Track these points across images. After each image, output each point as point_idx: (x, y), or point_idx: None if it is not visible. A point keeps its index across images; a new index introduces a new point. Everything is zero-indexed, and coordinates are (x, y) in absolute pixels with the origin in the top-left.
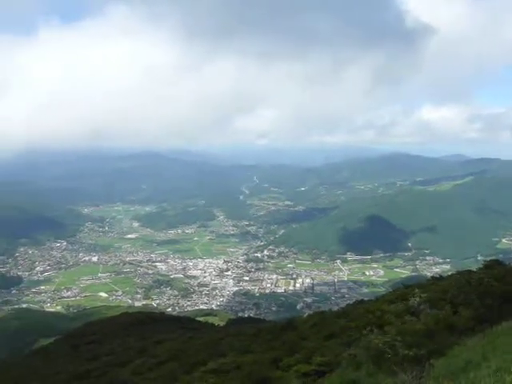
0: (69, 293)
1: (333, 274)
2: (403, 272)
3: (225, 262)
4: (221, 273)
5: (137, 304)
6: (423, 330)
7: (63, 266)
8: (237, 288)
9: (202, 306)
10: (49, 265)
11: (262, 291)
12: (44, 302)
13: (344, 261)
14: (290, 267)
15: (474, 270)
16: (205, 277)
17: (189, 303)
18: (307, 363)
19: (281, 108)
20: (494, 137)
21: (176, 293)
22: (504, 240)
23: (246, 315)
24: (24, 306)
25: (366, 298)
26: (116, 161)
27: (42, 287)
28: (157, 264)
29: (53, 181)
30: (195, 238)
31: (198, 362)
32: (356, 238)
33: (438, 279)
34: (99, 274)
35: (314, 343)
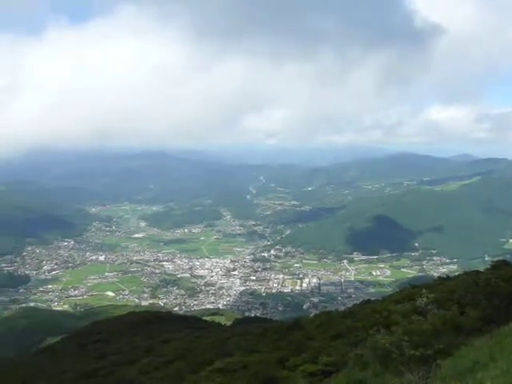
0: (76, 292)
1: (339, 273)
2: (410, 272)
3: (231, 261)
4: (227, 272)
5: (144, 303)
6: (430, 330)
7: (70, 265)
8: (243, 287)
9: (208, 306)
10: (56, 264)
11: (269, 291)
12: (51, 300)
13: (351, 261)
14: (296, 267)
15: (482, 270)
16: (211, 276)
17: (195, 302)
18: (314, 363)
19: (290, 108)
20: (502, 137)
21: (183, 292)
22: (511, 240)
23: (252, 315)
24: (31, 304)
25: (372, 298)
26: (124, 160)
27: (50, 286)
28: (164, 263)
29: (61, 180)
30: (202, 238)
31: (205, 362)
32: (363, 237)
33: (445, 279)
34: (106, 273)
35: (321, 343)
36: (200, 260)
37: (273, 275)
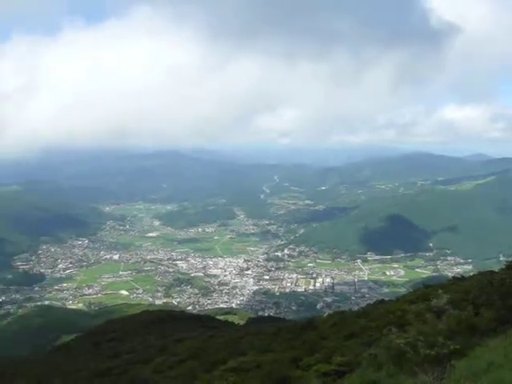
0: (90, 290)
1: (353, 273)
2: (424, 272)
3: (245, 260)
4: (241, 272)
5: (157, 302)
6: (445, 331)
7: (85, 263)
8: (257, 287)
9: (222, 305)
10: (71, 262)
11: (282, 290)
12: (66, 299)
13: (364, 260)
14: (310, 266)
15: (496, 270)
16: (225, 275)
17: (209, 302)
18: (327, 363)
19: (303, 107)
20: None
21: (196, 291)
22: None
23: (265, 314)
24: (46, 303)
25: (386, 298)
26: (138, 160)
27: (64, 284)
28: (177, 262)
29: (75, 179)
30: (215, 237)
31: (218, 361)
32: (376, 237)
33: (459, 279)
34: (120, 272)
35: (334, 343)
36: (213, 259)
37: (286, 275)
